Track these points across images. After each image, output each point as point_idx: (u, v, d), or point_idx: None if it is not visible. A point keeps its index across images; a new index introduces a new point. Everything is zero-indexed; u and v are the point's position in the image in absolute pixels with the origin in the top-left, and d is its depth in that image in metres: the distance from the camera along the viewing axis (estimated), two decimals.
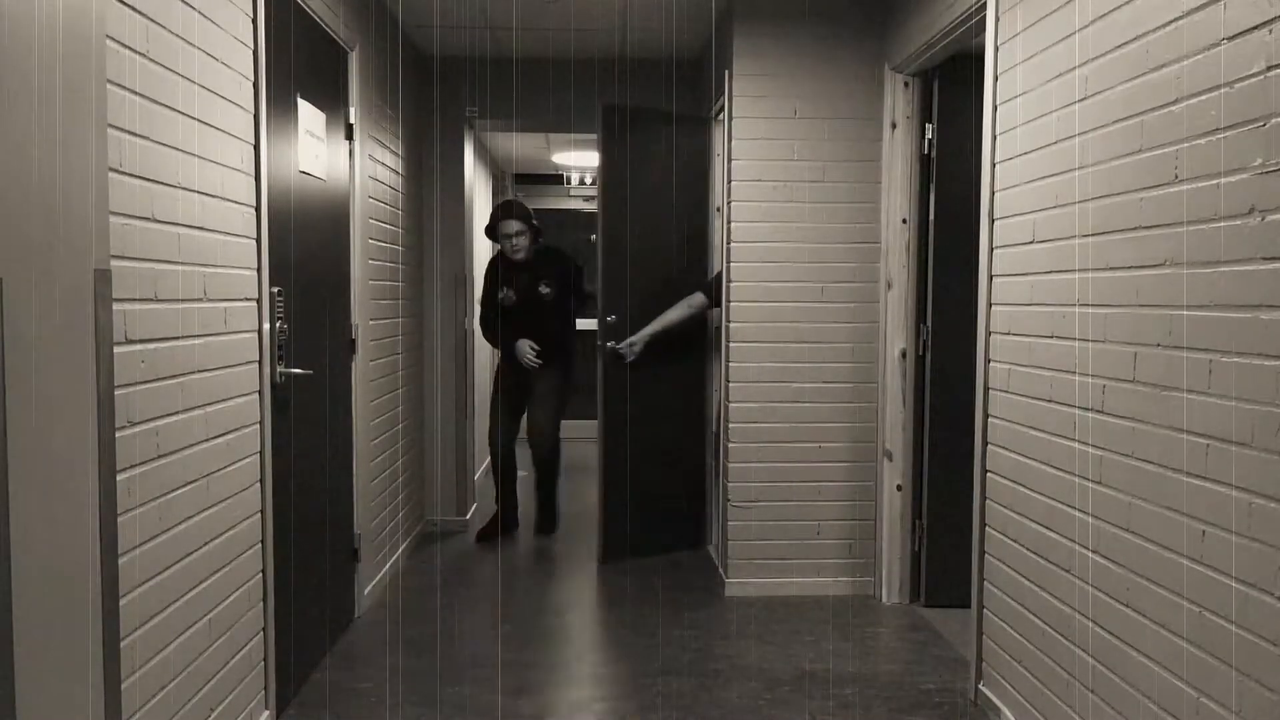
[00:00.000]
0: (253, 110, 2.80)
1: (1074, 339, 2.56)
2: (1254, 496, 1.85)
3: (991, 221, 3.08)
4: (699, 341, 5.11)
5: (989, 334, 3.10)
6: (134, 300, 2.11)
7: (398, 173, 4.80)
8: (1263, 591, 1.82)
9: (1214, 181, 1.97)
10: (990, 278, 3.09)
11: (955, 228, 4.01)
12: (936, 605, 4.16)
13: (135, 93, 2.10)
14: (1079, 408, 2.54)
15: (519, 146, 7.68)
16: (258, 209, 2.82)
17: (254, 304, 2.82)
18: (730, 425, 4.35)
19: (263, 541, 2.89)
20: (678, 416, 5.09)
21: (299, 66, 3.26)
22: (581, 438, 9.36)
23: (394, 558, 4.70)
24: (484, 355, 7.37)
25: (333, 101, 3.70)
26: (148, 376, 2.18)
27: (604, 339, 4.79)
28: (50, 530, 1.71)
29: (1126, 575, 2.30)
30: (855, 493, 4.35)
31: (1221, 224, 1.95)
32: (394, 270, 4.68)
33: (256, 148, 2.81)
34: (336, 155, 3.75)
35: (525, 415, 5.40)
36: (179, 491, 2.34)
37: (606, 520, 4.86)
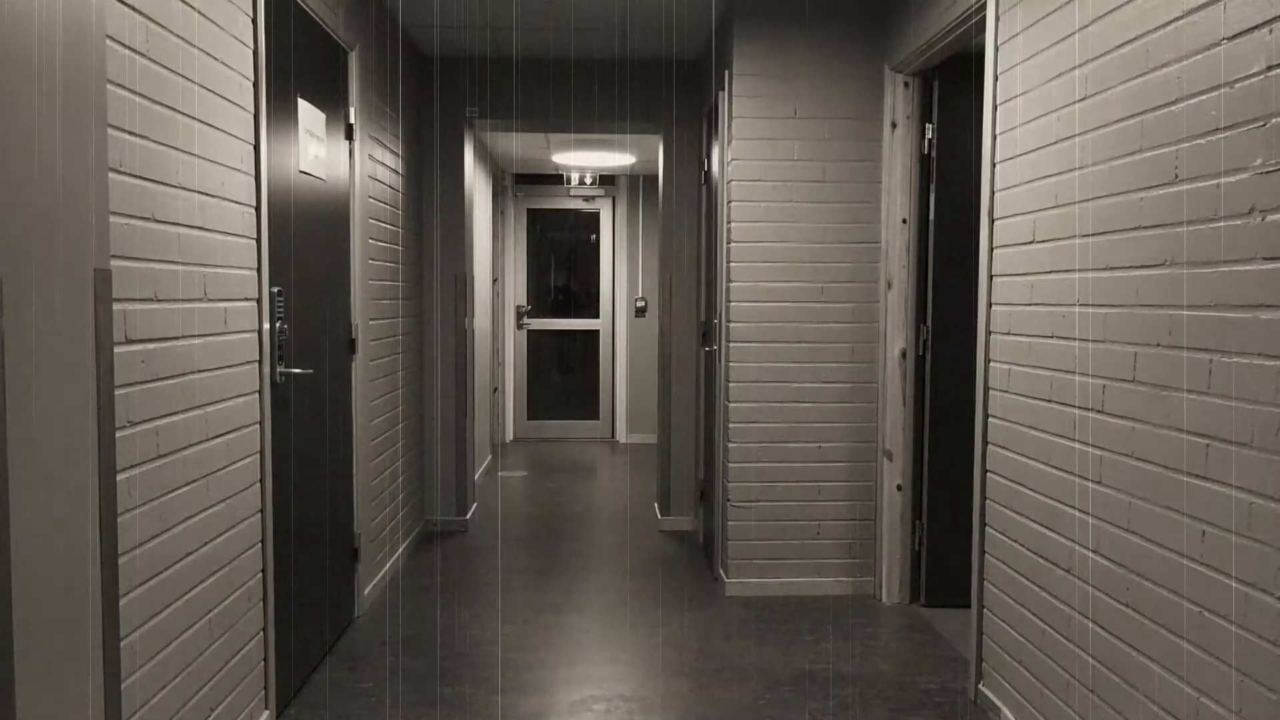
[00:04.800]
0: (253, 110, 2.80)
1: (1074, 339, 2.56)
2: (1254, 496, 1.85)
3: (991, 221, 3.08)
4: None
5: (989, 334, 3.10)
6: (134, 300, 2.11)
7: (398, 173, 4.80)
8: (1263, 591, 1.82)
9: (1214, 181, 1.97)
10: (990, 278, 3.10)
11: (955, 228, 4.02)
12: (936, 605, 4.16)
13: (135, 93, 2.10)
14: (1079, 408, 2.54)
15: (519, 146, 7.68)
16: (258, 209, 2.82)
17: (254, 304, 2.82)
18: (730, 425, 4.35)
19: (263, 541, 2.89)
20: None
21: (299, 66, 3.26)
22: (581, 439, 9.36)
23: (394, 558, 4.70)
24: (484, 355, 7.38)
25: (333, 101, 3.70)
26: (148, 376, 2.18)
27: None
28: (50, 530, 1.71)
29: (1126, 575, 2.30)
30: (855, 493, 4.35)
31: (1221, 224, 1.95)
32: (394, 270, 4.68)
33: (256, 148, 2.81)
34: (336, 155, 3.75)
35: None
36: (179, 491, 2.34)
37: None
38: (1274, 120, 1.79)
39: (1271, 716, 1.80)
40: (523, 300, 9.04)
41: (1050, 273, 2.70)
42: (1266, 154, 1.81)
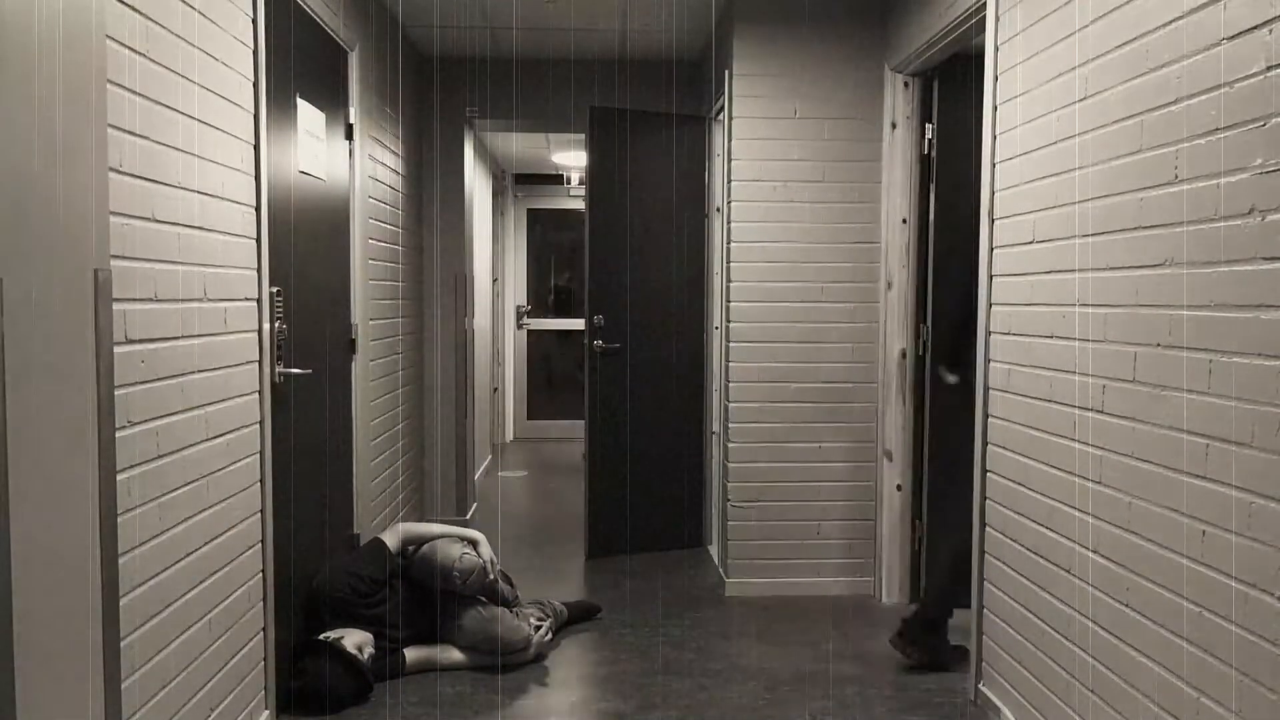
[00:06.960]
0: (253, 110, 2.80)
1: (1074, 339, 2.56)
2: (1254, 496, 1.85)
3: (991, 221, 3.08)
4: (696, 338, 5.13)
5: (989, 334, 3.10)
6: (134, 300, 2.11)
7: (398, 173, 4.80)
8: (1263, 591, 1.82)
9: (1214, 181, 1.97)
10: (990, 278, 3.09)
11: (955, 228, 4.01)
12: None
13: (135, 93, 2.10)
14: (1079, 408, 2.54)
15: (519, 146, 7.68)
16: (258, 209, 2.82)
17: (254, 304, 2.82)
18: (730, 425, 4.35)
19: (263, 541, 2.89)
20: (672, 414, 5.12)
21: (299, 66, 3.26)
22: (571, 438, 9.35)
23: None
24: (484, 355, 7.38)
25: (333, 101, 3.70)
26: (148, 376, 2.18)
27: (591, 338, 4.96)
28: (50, 530, 1.71)
29: (1126, 575, 2.30)
30: (855, 493, 4.35)
31: (1221, 224, 1.95)
32: (394, 270, 4.68)
33: (256, 148, 2.81)
34: (336, 155, 3.75)
35: None
36: (179, 491, 2.34)
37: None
38: (1274, 120, 1.79)
39: (1271, 716, 1.80)
40: (523, 300, 9.04)
41: (1050, 273, 2.69)
42: (1266, 154, 1.81)
